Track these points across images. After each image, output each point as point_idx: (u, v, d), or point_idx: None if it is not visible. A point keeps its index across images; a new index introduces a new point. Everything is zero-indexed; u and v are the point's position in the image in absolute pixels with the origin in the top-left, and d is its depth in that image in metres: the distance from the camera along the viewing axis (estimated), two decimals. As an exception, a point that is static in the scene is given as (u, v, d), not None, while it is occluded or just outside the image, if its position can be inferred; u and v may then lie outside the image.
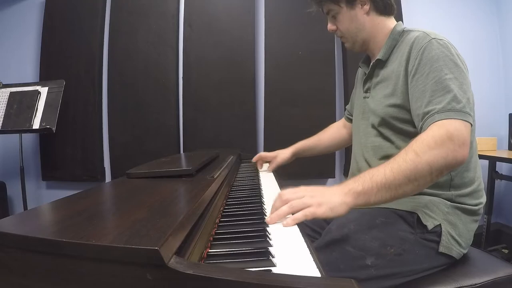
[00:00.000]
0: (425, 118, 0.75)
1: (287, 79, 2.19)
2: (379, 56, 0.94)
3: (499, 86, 2.35)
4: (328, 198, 0.66)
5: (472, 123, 0.73)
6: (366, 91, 1.02)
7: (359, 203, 0.67)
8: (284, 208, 0.65)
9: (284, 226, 0.63)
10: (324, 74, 2.20)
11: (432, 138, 0.69)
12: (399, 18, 2.27)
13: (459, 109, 0.72)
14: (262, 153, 1.44)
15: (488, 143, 2.15)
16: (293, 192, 0.69)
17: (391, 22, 0.97)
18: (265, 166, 1.46)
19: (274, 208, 0.68)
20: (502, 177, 2.07)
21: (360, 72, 1.12)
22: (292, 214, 0.66)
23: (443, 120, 0.72)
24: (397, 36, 0.93)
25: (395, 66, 0.89)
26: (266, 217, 0.68)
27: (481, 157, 1.92)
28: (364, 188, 0.67)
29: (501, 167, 2.21)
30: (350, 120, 1.30)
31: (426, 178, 0.68)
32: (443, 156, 0.67)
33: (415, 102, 0.80)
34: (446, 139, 0.68)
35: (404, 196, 0.71)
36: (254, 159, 1.45)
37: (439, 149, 0.67)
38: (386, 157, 0.87)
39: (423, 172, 0.67)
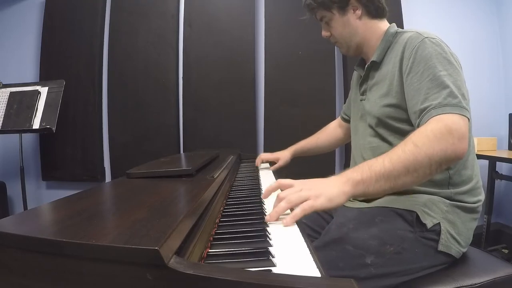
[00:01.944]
0: (422, 114, 0.75)
1: (287, 79, 2.19)
2: (373, 58, 0.95)
3: (499, 86, 2.35)
4: (325, 189, 0.65)
5: (469, 117, 0.73)
6: (362, 94, 1.03)
7: (358, 192, 0.66)
8: (282, 204, 0.65)
9: (284, 225, 0.62)
10: (324, 74, 2.20)
11: (431, 131, 0.69)
12: (399, 18, 2.27)
13: (456, 104, 0.72)
14: (263, 155, 1.49)
15: (488, 143, 2.15)
16: (289, 185, 0.69)
17: (384, 24, 0.98)
18: (264, 164, 1.50)
19: (274, 208, 0.67)
20: (502, 177, 2.07)
21: (356, 75, 1.14)
22: (291, 209, 0.65)
23: (441, 115, 0.72)
24: (390, 38, 0.94)
25: (389, 67, 0.90)
26: (266, 216, 0.68)
27: (481, 157, 1.93)
28: (362, 177, 0.66)
29: (501, 167, 2.21)
30: (345, 120, 1.33)
31: (425, 170, 0.68)
32: (443, 149, 0.67)
33: (410, 100, 0.80)
34: (445, 133, 0.68)
35: (403, 188, 0.71)
36: (257, 164, 1.49)
37: (438, 142, 0.67)
38: None
39: (422, 163, 0.67)
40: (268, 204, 0.78)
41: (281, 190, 0.70)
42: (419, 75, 0.79)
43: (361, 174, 0.67)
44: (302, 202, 0.64)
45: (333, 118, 2.14)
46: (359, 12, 0.95)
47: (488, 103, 2.28)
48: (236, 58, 2.21)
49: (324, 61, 2.19)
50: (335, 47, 2.18)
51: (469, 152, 0.85)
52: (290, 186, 0.69)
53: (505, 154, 1.98)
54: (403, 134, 0.87)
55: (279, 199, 0.67)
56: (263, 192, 0.95)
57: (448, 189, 0.84)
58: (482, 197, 0.88)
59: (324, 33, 1.03)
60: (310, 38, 2.15)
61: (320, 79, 2.19)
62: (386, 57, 0.93)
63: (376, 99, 0.93)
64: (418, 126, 0.77)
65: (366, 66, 0.99)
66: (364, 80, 1.01)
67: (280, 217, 0.65)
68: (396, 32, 0.94)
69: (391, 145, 0.90)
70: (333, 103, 2.20)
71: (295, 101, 2.19)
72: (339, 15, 0.96)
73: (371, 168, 0.67)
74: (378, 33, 0.97)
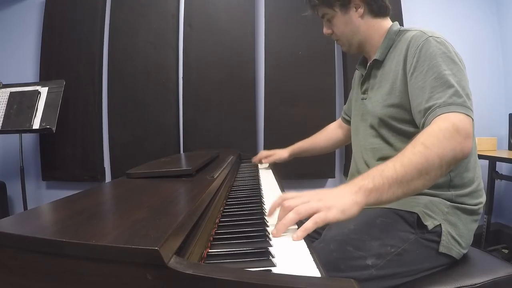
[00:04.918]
0: (427, 113, 0.75)
1: (287, 79, 2.19)
2: (376, 56, 0.95)
3: (499, 86, 2.35)
4: (337, 200, 0.60)
5: (473, 118, 0.72)
6: (363, 93, 1.02)
7: (371, 201, 0.62)
8: (291, 215, 0.58)
9: (294, 240, 0.56)
10: (324, 74, 2.20)
11: (440, 131, 0.67)
12: (399, 17, 2.28)
13: (461, 103, 0.71)
14: (262, 155, 1.51)
15: (488, 143, 2.15)
16: (296, 197, 0.63)
17: (386, 23, 0.97)
18: (264, 165, 1.52)
19: (279, 219, 0.60)
20: (502, 177, 2.07)
21: (357, 74, 1.13)
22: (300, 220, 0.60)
23: (446, 114, 0.71)
24: (393, 36, 0.93)
25: (392, 66, 0.89)
26: (266, 217, 0.68)
27: (481, 157, 1.93)
28: (375, 184, 0.62)
29: (501, 167, 2.21)
30: (346, 121, 1.32)
31: (437, 171, 0.66)
32: (452, 148, 0.66)
33: (415, 99, 0.80)
34: (453, 131, 0.67)
35: (415, 193, 0.68)
36: (255, 160, 1.53)
37: (448, 142, 0.66)
38: (384, 158, 0.86)
39: (434, 165, 0.65)
40: (268, 204, 0.77)
41: None
42: (423, 74, 0.78)
43: (373, 181, 0.62)
44: (312, 214, 0.58)
45: (333, 118, 2.17)
46: (361, 10, 0.94)
47: (488, 103, 2.28)
48: (236, 58, 2.20)
49: (324, 61, 2.19)
50: (335, 47, 2.21)
51: (471, 154, 0.84)
52: (298, 199, 0.62)
53: (505, 154, 1.98)
54: (405, 136, 0.86)
55: (284, 210, 0.61)
56: (263, 192, 0.95)
57: (449, 191, 0.83)
58: (483, 199, 0.88)
59: (326, 31, 1.01)
60: (310, 38, 2.15)
61: (320, 79, 2.19)
62: (389, 56, 0.93)
63: (378, 99, 0.92)
64: (423, 125, 0.76)
65: (368, 64, 0.98)
66: (366, 79, 1.00)
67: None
68: (399, 30, 0.94)
69: (392, 146, 0.89)
70: (333, 103, 2.20)
71: (295, 101, 2.19)
72: (341, 13, 0.94)
73: (383, 173, 0.63)
74: (381, 31, 0.96)
